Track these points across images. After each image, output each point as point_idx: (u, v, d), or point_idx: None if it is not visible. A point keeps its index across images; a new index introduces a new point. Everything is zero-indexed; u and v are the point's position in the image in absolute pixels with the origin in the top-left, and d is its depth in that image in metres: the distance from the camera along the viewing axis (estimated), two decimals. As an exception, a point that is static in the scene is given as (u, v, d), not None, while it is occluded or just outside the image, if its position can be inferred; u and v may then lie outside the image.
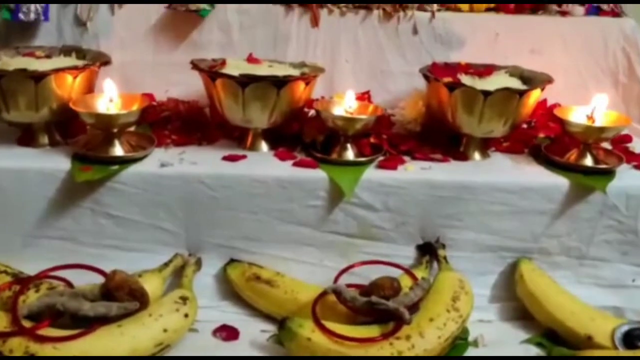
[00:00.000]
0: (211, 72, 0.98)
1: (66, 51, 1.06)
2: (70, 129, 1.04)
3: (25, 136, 1.00)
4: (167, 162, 0.95)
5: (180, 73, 1.14)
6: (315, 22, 1.18)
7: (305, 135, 1.04)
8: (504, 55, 1.16)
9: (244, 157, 1.00)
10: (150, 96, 1.16)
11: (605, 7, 1.26)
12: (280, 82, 0.95)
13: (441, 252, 0.97)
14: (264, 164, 0.98)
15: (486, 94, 0.96)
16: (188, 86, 1.16)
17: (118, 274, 0.84)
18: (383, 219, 0.96)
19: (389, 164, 0.98)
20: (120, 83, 1.14)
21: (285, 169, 0.97)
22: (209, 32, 1.17)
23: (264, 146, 1.04)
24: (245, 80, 0.95)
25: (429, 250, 0.98)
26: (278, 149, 1.03)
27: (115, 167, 0.93)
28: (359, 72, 1.20)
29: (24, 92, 0.92)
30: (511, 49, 1.17)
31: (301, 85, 0.98)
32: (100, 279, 0.87)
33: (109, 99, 0.96)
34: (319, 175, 0.96)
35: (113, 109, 0.96)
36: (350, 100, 1.01)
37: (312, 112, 1.09)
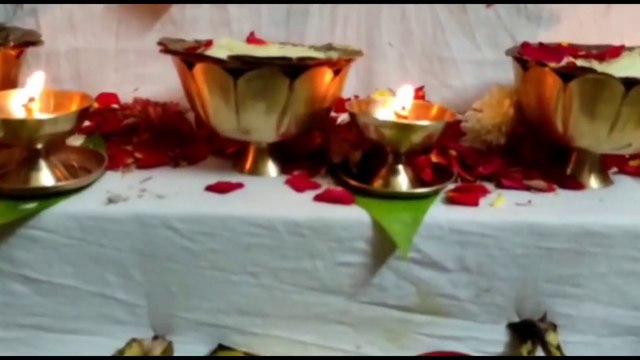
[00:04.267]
0: (187, 54, 0.64)
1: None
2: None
3: None
4: (117, 195, 0.61)
5: (155, 64, 0.82)
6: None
7: (333, 153, 0.69)
8: (617, 34, 0.81)
9: (239, 185, 0.65)
10: (111, 97, 0.84)
11: None
12: (294, 69, 0.61)
13: (551, 337, 0.61)
14: (270, 196, 0.64)
15: (630, 83, 0.60)
16: (164, 83, 0.83)
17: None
18: (457, 284, 0.61)
19: (466, 197, 0.62)
20: (69, 79, 0.82)
21: (303, 206, 0.62)
22: (195, 6, 0.84)
23: (271, 168, 0.69)
24: (239, 67, 0.60)
25: (529, 333, 0.62)
26: (292, 173, 0.69)
27: (33, 204, 0.58)
28: (407, 61, 0.85)
29: None
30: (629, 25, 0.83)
31: (327, 74, 0.63)
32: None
33: (27, 98, 0.61)
34: (355, 215, 0.61)
35: (35, 113, 0.62)
36: (404, 99, 0.66)
37: (342, 118, 0.76)
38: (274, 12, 0.84)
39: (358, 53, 0.68)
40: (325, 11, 0.84)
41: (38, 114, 0.62)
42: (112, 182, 0.65)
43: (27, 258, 0.60)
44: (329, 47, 0.73)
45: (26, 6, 0.81)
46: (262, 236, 0.60)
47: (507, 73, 0.80)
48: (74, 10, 0.83)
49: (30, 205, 0.58)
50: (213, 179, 0.67)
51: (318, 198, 0.63)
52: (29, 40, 0.65)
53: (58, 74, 0.83)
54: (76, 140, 0.73)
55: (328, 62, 0.63)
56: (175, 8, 0.84)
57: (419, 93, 0.81)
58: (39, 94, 0.61)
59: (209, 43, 0.67)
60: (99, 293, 0.61)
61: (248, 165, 0.70)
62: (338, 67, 0.64)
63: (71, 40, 0.83)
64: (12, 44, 0.62)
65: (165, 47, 0.65)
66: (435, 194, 0.64)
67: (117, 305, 0.62)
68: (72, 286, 0.61)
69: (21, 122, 0.59)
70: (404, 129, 0.62)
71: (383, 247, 0.60)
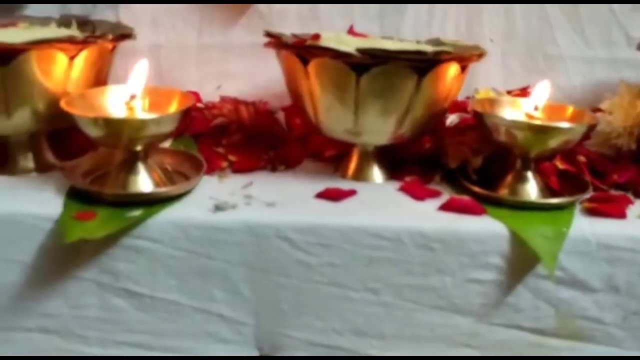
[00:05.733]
0: (304, 48, 0.58)
1: (65, 23, 0.67)
2: (67, 143, 0.67)
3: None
4: (225, 202, 0.56)
5: (239, 61, 0.78)
6: (444, -17, 0.78)
7: (450, 157, 0.63)
8: None
9: (351, 192, 0.60)
10: (193, 95, 0.79)
11: None
12: (425, 65, 0.55)
13: None
14: (388, 205, 0.58)
15: None
16: (250, 80, 0.78)
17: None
18: (602, 306, 0.54)
19: (611, 209, 0.56)
20: (150, 77, 0.77)
21: (429, 216, 0.56)
22: (283, -1, 0.79)
23: (376, 174, 0.64)
24: (364, 62, 0.54)
25: (681, 361, 0.57)
26: (402, 179, 0.63)
27: (138, 212, 0.53)
28: (509, 58, 0.78)
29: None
30: None
31: (454, 71, 0.57)
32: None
33: (129, 95, 0.57)
34: (489, 227, 0.54)
35: (137, 112, 0.57)
36: (538, 98, 0.60)
37: (450, 119, 0.70)
38: (367, 5, 0.79)
39: (478, 49, 0.62)
40: (422, 4, 0.79)
41: (140, 114, 0.57)
42: (211, 187, 0.60)
43: (129, 270, 0.54)
44: (436, 42, 0.68)
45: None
46: (385, 249, 0.54)
47: (620, 72, 0.74)
48: (156, 5, 0.78)
49: (136, 213, 0.53)
50: (318, 184, 0.61)
51: (444, 207, 0.57)
52: (124, 33, 0.60)
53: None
54: (165, 142, 0.69)
55: (460, 58, 0.57)
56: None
57: (527, 93, 0.75)
58: (140, 91, 0.56)
59: (316, 36, 0.61)
60: (203, 309, 0.56)
61: (351, 169, 0.65)
62: (466, 64, 0.58)
63: (152, 36, 0.78)
64: (110, 36, 0.57)
65: (278, 40, 0.59)
66: (571, 204, 0.58)
67: (222, 323, 0.57)
68: (175, 301, 0.56)
69: (124, 122, 0.54)
70: (541, 131, 0.56)
71: (520, 263, 0.54)
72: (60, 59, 0.54)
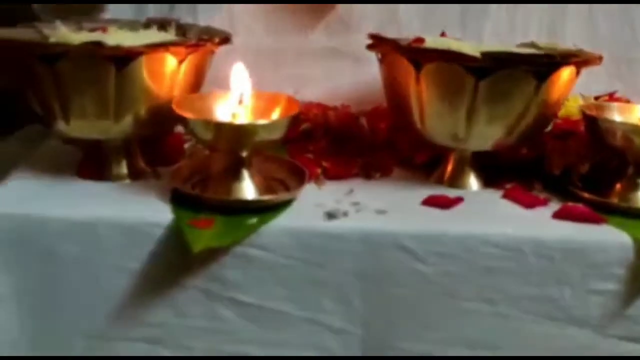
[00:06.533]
0: (421, 51, 0.56)
1: (152, 25, 0.65)
2: (157, 149, 0.65)
3: (91, 163, 0.60)
4: (336, 210, 0.54)
5: (315, 65, 0.77)
6: (529, -14, 0.77)
7: (554, 164, 0.62)
8: None
9: (458, 200, 0.59)
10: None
11: None
12: (545, 70, 0.53)
13: None
14: (500, 213, 0.56)
15: None
16: (326, 85, 0.77)
17: None
18: None
19: None
20: (227, 79, 0.77)
21: (547, 225, 0.54)
22: (361, 2, 0.77)
23: (472, 181, 0.63)
24: (485, 66, 0.52)
25: None
26: (502, 187, 0.61)
27: (254, 219, 0.52)
28: (594, 63, 0.79)
29: (97, 86, 0.52)
30: None
31: (568, 75, 0.56)
32: None
33: (238, 99, 0.55)
34: (612, 236, 0.53)
35: (243, 117, 0.55)
36: (654, 102, 0.59)
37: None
38: (448, 9, 0.78)
39: (592, 55, 0.60)
40: (504, 7, 0.78)
41: (244, 118, 0.55)
42: (312, 194, 0.59)
43: (239, 279, 0.53)
44: (531, 45, 0.66)
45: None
46: (505, 259, 0.53)
47: None
48: (234, 6, 0.77)
49: (253, 221, 0.51)
50: (418, 191, 0.60)
51: (558, 215, 0.56)
52: (222, 36, 0.58)
53: (215, 73, 0.77)
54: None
55: (584, 61, 0.56)
56: (343, 4, 0.78)
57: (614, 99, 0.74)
58: (249, 96, 0.55)
59: (420, 40, 0.60)
60: (311, 319, 0.55)
61: (448, 176, 0.64)
62: (584, 67, 0.57)
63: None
64: (217, 40, 0.55)
65: (395, 44, 0.57)
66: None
67: (329, 334, 0.55)
68: (283, 311, 0.54)
69: (237, 127, 0.52)
70: (661, 137, 0.55)
71: (643, 273, 0.54)
72: (170, 62, 0.53)
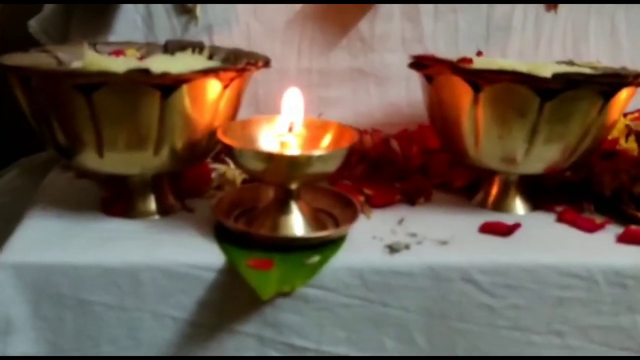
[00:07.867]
0: (480, 72, 0.52)
1: (173, 49, 0.61)
2: (183, 181, 0.61)
3: (116, 199, 0.55)
4: (397, 243, 0.51)
5: (340, 86, 0.73)
6: (552, 3, 0.76)
7: (605, 185, 0.60)
8: None
9: (516, 226, 0.55)
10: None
11: None
12: (611, 89, 0.51)
13: None
14: (562, 240, 0.54)
15: None
16: (352, 107, 0.74)
17: None
18: None
19: None
20: (247, 103, 0.71)
21: (615, 251, 0.52)
22: (383, 21, 0.74)
23: (519, 205, 0.60)
24: (552, 87, 0.49)
25: None
26: (550, 210, 0.58)
27: (316, 258, 0.47)
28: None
29: (140, 116, 0.47)
30: None
31: (627, 94, 0.54)
32: None
33: (287, 126, 0.51)
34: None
35: (294, 146, 0.51)
36: None
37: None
38: (472, 27, 0.76)
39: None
40: (528, 25, 0.76)
41: (295, 148, 0.51)
42: (363, 225, 0.55)
43: (294, 322, 0.49)
44: (569, 63, 0.65)
45: (201, 23, 0.71)
46: (576, 288, 0.50)
47: None
48: (252, 25, 0.73)
49: (314, 259, 0.47)
50: (471, 217, 0.57)
51: (623, 240, 0.53)
52: (262, 59, 0.54)
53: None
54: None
55: (636, 82, 0.53)
56: (363, 23, 0.74)
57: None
58: (300, 124, 0.51)
59: (468, 60, 0.57)
60: (373, 361, 0.51)
61: (491, 199, 0.61)
62: (635, 87, 0.55)
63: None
64: (260, 63, 0.51)
65: (452, 65, 0.53)
66: None
67: (392, 375, 0.52)
68: (342, 355, 0.50)
69: (289, 159, 0.48)
70: None
71: None
72: (216, 88, 0.48)
